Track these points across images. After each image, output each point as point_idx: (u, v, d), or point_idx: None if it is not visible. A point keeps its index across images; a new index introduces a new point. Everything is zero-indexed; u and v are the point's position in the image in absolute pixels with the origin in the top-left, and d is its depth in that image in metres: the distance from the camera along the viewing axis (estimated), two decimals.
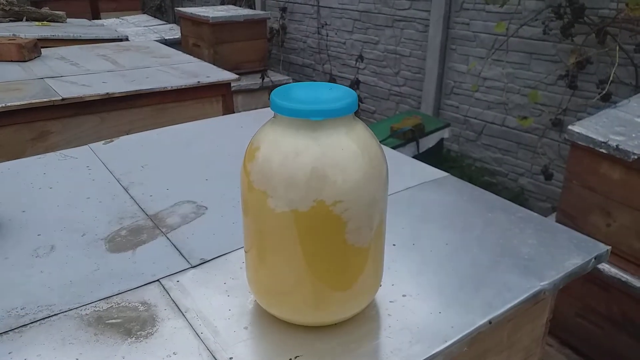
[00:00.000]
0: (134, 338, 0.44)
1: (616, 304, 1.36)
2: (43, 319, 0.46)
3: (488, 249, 0.56)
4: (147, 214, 0.64)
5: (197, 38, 3.14)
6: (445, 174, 0.74)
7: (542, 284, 0.51)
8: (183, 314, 0.47)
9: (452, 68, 2.75)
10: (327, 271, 0.42)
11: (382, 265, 0.46)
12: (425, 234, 0.59)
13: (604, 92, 1.92)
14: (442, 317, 0.47)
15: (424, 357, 0.42)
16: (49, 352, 0.43)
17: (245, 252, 0.46)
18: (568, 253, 0.56)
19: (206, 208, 0.65)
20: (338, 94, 0.40)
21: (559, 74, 2.23)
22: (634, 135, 1.31)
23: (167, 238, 0.59)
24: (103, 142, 0.86)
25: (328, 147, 0.39)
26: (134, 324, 0.46)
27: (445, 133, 2.48)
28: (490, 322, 0.46)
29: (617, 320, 1.37)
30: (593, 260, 0.56)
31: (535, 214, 0.64)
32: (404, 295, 0.49)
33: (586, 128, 1.35)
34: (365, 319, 0.46)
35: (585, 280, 1.38)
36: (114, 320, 0.47)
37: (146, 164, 0.78)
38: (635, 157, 1.22)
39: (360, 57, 3.17)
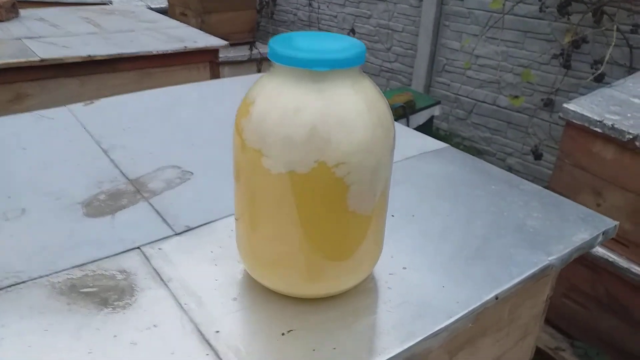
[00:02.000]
0: (110, 308, 0.41)
1: (602, 284, 1.35)
2: (9, 286, 0.42)
3: (492, 221, 0.53)
4: (128, 178, 0.59)
5: (185, 7, 3.04)
6: (444, 144, 0.71)
7: (550, 258, 0.48)
8: (165, 284, 0.43)
9: (444, 45, 2.70)
10: (325, 240, 0.39)
11: (383, 236, 0.43)
12: (426, 205, 0.56)
13: (598, 72, 1.90)
14: (446, 291, 0.43)
15: (427, 334, 0.39)
16: (15, 321, 0.39)
17: (236, 219, 0.42)
18: (575, 227, 0.53)
19: (192, 173, 0.61)
20: (344, 44, 0.36)
21: (553, 53, 2.20)
22: (629, 115, 1.29)
23: (150, 204, 0.55)
24: (83, 103, 0.81)
25: (332, 103, 0.35)
26: (111, 293, 0.42)
27: (436, 110, 2.44)
28: (496, 297, 0.44)
29: (602, 301, 1.37)
30: (601, 235, 0.53)
31: (540, 187, 0.61)
32: (404, 268, 0.46)
33: (581, 107, 1.32)
34: (363, 292, 0.43)
35: (572, 260, 1.38)
36: (88, 289, 0.43)
37: (128, 127, 0.73)
38: (630, 136, 1.21)
39: (352, 31, 3.10)
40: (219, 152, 0.60)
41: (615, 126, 1.22)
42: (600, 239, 0.53)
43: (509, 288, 0.45)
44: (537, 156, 2.15)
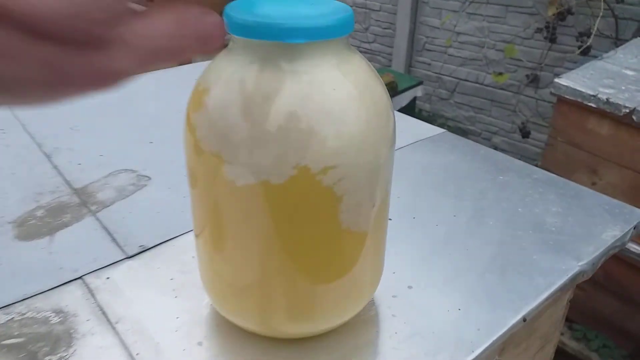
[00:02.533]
0: None
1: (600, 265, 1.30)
2: None
3: (506, 220, 0.45)
4: (72, 188, 0.50)
5: None
6: (441, 130, 0.62)
7: (580, 264, 0.40)
8: (113, 326, 0.34)
9: (424, 23, 2.61)
10: (312, 265, 0.30)
11: (384, 252, 0.34)
12: (427, 204, 0.48)
13: (585, 45, 1.83)
14: (463, 315, 0.35)
15: None
16: None
17: (196, 236, 0.33)
18: (602, 223, 0.46)
19: (149, 178, 0.51)
20: (325, 9, 0.27)
21: (537, 27, 2.13)
22: (623, 87, 1.23)
23: (97, 219, 0.45)
24: None
25: (312, 86, 0.26)
26: (42, 345, 0.33)
27: (418, 91, 2.36)
28: (524, 319, 0.36)
29: (599, 282, 1.32)
30: (633, 230, 0.45)
31: (555, 175, 0.53)
32: (409, 287, 0.38)
33: (574, 81, 1.25)
34: (362, 324, 0.34)
35: None
36: (12, 340, 0.33)
37: (76, 125, 0.63)
38: (627, 110, 1.14)
39: None
40: (181, 150, 0.51)
41: (611, 100, 1.16)
42: (630, 234, 0.46)
43: (537, 306, 0.37)
44: (525, 134, 2.09)
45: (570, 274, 0.39)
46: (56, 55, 0.15)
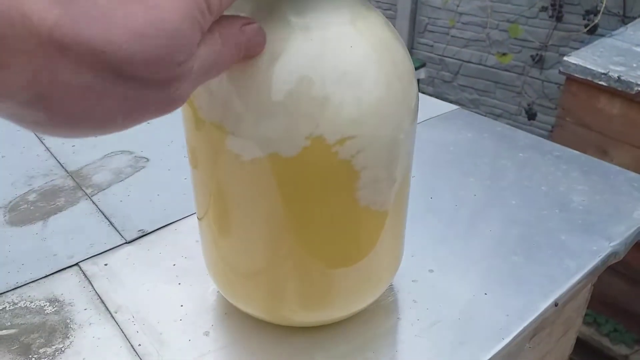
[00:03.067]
0: (34, 359, 0.29)
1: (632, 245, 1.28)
2: None
3: (530, 199, 0.42)
4: (66, 170, 0.47)
5: None
6: (455, 106, 0.59)
7: (611, 244, 0.38)
8: (112, 315, 0.32)
9: (425, 3, 2.55)
10: (327, 247, 0.27)
11: (404, 236, 0.32)
12: (444, 184, 0.45)
13: (593, 23, 1.79)
14: (489, 300, 0.33)
15: None
16: None
17: (199, 219, 0.30)
18: (632, 201, 0.43)
19: (147, 160, 0.48)
20: None
21: (542, 5, 2.08)
22: (634, 65, 1.19)
23: (93, 202, 0.42)
24: None
25: (325, 44, 0.23)
26: (36, 336, 0.30)
27: (421, 74, 2.32)
28: (556, 303, 0.33)
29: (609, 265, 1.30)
30: None
31: (576, 152, 0.50)
32: (430, 271, 0.35)
33: (583, 59, 1.22)
34: (382, 311, 0.32)
35: None
36: (5, 331, 0.31)
37: None
38: (639, 88, 1.11)
39: None
40: (181, 130, 0.48)
41: (622, 78, 1.12)
42: None
43: (568, 289, 0.34)
44: (531, 116, 2.06)
45: (602, 255, 0.37)
46: (137, 92, 0.17)
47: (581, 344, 1.33)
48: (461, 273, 0.35)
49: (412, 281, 0.34)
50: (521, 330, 0.30)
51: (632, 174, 0.47)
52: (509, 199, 0.42)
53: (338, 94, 0.23)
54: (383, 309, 0.32)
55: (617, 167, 0.48)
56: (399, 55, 0.26)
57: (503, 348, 0.29)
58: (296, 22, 0.23)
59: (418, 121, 0.55)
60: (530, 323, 0.31)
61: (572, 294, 0.34)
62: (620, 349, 1.32)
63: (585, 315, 1.50)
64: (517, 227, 0.39)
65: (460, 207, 0.41)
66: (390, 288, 0.33)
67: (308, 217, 0.26)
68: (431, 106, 0.59)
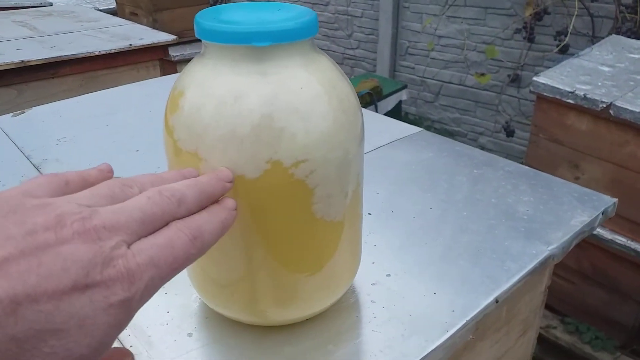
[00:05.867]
0: None
1: (587, 258, 1.33)
2: None
3: (480, 211, 0.47)
4: None
5: (134, 6, 2.90)
6: (418, 129, 0.64)
7: (549, 248, 0.43)
8: None
9: (406, 27, 2.65)
10: (291, 255, 0.32)
11: (361, 241, 0.36)
12: (405, 198, 0.50)
13: (562, 43, 1.88)
14: (438, 298, 0.37)
15: (423, 355, 0.33)
16: None
17: None
18: (571, 210, 0.48)
19: None
20: (290, 13, 0.29)
21: (515, 27, 2.17)
22: (599, 83, 1.26)
23: None
24: (12, 114, 0.71)
25: (281, 86, 0.28)
26: None
27: (403, 95, 2.39)
28: (497, 300, 0.38)
29: (588, 275, 1.35)
30: (601, 215, 0.48)
31: (526, 167, 0.56)
32: (388, 275, 0.40)
33: (551, 79, 1.29)
34: (344, 310, 0.36)
35: None
36: None
37: (64, 137, 0.64)
38: (604, 105, 1.17)
39: None
40: (164, 158, 0.52)
41: (588, 96, 1.19)
42: (599, 219, 0.48)
43: (508, 288, 0.39)
44: (509, 133, 2.13)
45: (540, 257, 0.41)
46: None
47: (564, 352, 1.37)
48: (414, 276, 0.39)
49: (372, 284, 0.38)
50: (464, 324, 0.35)
51: (575, 186, 0.52)
52: (461, 210, 0.47)
53: (292, 126, 0.28)
54: (345, 309, 0.36)
55: (562, 180, 0.53)
56: (344, 92, 0.31)
57: (447, 339, 0.34)
58: (256, 69, 0.28)
59: (386, 142, 0.60)
60: (472, 318, 0.36)
61: (513, 293, 0.39)
62: (602, 356, 1.36)
63: (568, 324, 1.53)
64: (467, 235, 0.44)
65: (418, 219, 0.46)
66: (352, 290, 0.38)
67: (274, 230, 0.31)
68: (397, 129, 0.64)
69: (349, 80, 0.32)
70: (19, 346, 0.17)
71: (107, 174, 0.26)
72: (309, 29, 0.28)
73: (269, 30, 0.27)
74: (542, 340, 1.39)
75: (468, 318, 0.35)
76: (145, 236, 0.21)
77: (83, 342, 0.18)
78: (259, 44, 0.27)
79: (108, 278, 0.19)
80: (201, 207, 0.24)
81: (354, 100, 0.31)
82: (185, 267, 0.22)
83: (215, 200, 0.25)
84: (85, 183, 0.24)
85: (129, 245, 0.20)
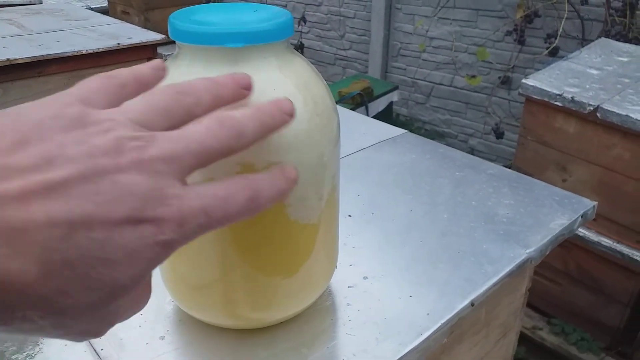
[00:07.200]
0: None
1: (573, 259, 1.34)
2: None
3: (460, 213, 0.47)
4: None
5: (126, 4, 2.88)
6: (402, 131, 0.64)
7: (527, 251, 0.43)
8: None
9: (398, 29, 2.65)
10: (265, 258, 0.31)
11: (337, 244, 0.36)
12: (386, 201, 0.50)
13: (552, 46, 1.89)
14: (414, 301, 0.37)
15: (397, 358, 0.33)
16: None
17: None
18: (551, 213, 0.48)
19: None
20: (264, 14, 0.29)
21: (506, 29, 2.18)
22: (587, 86, 1.27)
23: None
24: None
25: (255, 87, 0.28)
26: (9, 344, 0.34)
27: (394, 96, 2.40)
28: (472, 303, 0.38)
29: (574, 276, 1.35)
30: (580, 218, 0.48)
31: (509, 170, 0.56)
32: (365, 278, 0.39)
33: (540, 81, 1.29)
34: (319, 313, 0.36)
35: None
36: None
37: None
38: (591, 108, 1.18)
39: (303, 20, 3.02)
40: None
41: (575, 99, 1.20)
42: (579, 222, 0.48)
43: (485, 291, 0.39)
44: (499, 135, 2.14)
45: (517, 260, 0.42)
46: None
47: (550, 353, 1.38)
48: (392, 279, 0.39)
49: (348, 287, 0.38)
50: (438, 327, 0.35)
51: (556, 189, 0.52)
52: (441, 213, 0.47)
53: None
54: (320, 312, 0.36)
55: (543, 183, 0.53)
56: (320, 93, 0.31)
57: (421, 343, 0.34)
58: (229, 70, 0.27)
59: (370, 144, 0.60)
60: (447, 321, 0.36)
61: (490, 296, 0.39)
62: (588, 358, 1.37)
63: (554, 325, 1.54)
64: (446, 238, 0.44)
65: (397, 221, 0.46)
66: (329, 293, 0.38)
67: (247, 232, 0.30)
68: (381, 131, 0.64)
69: (325, 82, 0.32)
70: (72, 270, 0.17)
71: (160, 72, 0.24)
72: (284, 31, 0.28)
73: (242, 31, 0.26)
74: (528, 341, 1.40)
75: (443, 321, 0.35)
76: (198, 168, 0.21)
77: (127, 273, 0.18)
78: (232, 45, 0.26)
79: (160, 216, 0.18)
80: (257, 140, 0.23)
81: (329, 103, 0.31)
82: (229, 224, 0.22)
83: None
84: (139, 86, 0.22)
85: (183, 182, 0.20)
